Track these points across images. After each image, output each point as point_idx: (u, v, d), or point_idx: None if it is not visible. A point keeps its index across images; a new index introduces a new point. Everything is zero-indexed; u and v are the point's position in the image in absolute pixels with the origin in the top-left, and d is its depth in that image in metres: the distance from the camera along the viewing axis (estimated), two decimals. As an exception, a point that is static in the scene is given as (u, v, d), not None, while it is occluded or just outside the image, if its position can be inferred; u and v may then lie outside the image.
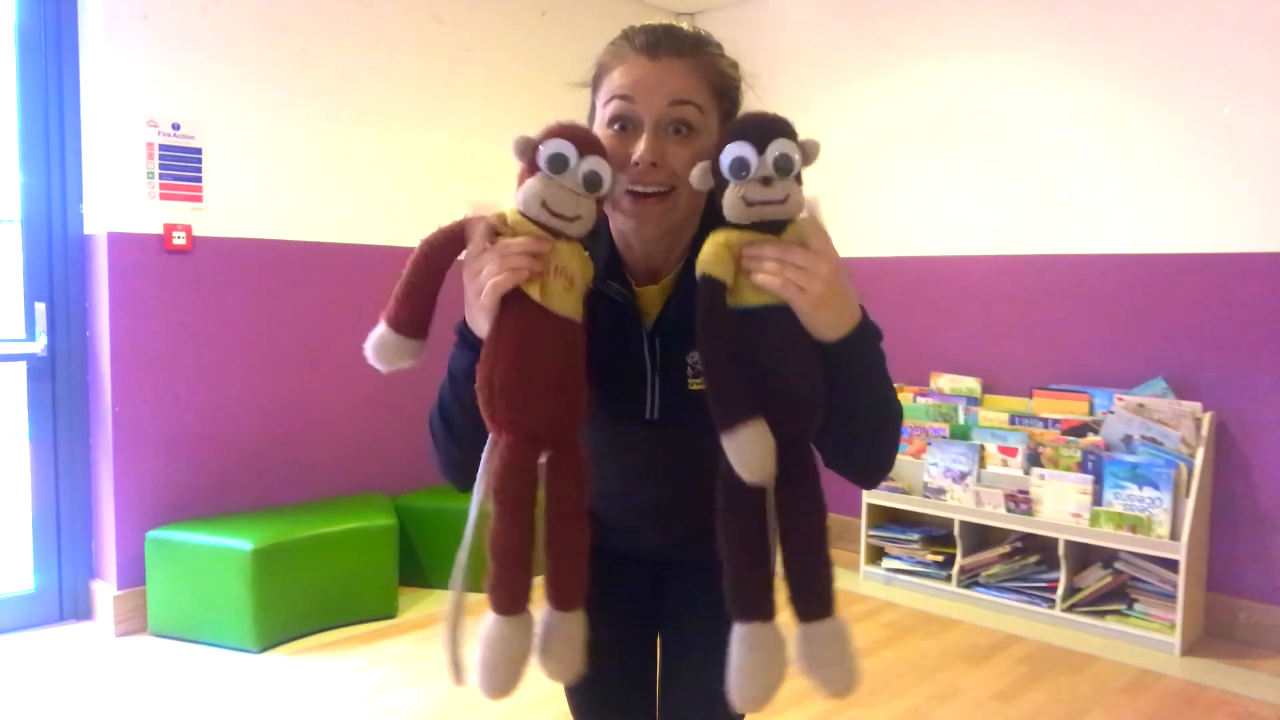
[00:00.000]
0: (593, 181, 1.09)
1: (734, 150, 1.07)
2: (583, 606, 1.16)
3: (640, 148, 1.16)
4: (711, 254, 1.08)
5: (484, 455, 1.12)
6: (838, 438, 1.16)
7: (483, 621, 1.11)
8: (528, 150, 1.09)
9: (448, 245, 1.13)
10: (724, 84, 1.24)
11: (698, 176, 1.10)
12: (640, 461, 1.33)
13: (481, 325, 1.10)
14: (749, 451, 1.03)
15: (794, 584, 1.11)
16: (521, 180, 1.10)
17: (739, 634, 1.08)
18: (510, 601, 1.10)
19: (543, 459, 1.12)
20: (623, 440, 1.28)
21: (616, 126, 1.19)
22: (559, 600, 1.14)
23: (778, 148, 1.06)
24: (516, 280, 1.06)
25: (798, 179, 1.09)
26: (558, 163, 1.07)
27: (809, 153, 1.10)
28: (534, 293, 1.07)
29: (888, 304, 4.45)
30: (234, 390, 3.67)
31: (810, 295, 1.05)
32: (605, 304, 1.25)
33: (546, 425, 1.09)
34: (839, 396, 1.12)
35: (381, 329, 1.15)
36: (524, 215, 1.09)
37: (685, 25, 1.25)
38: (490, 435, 1.12)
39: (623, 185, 1.17)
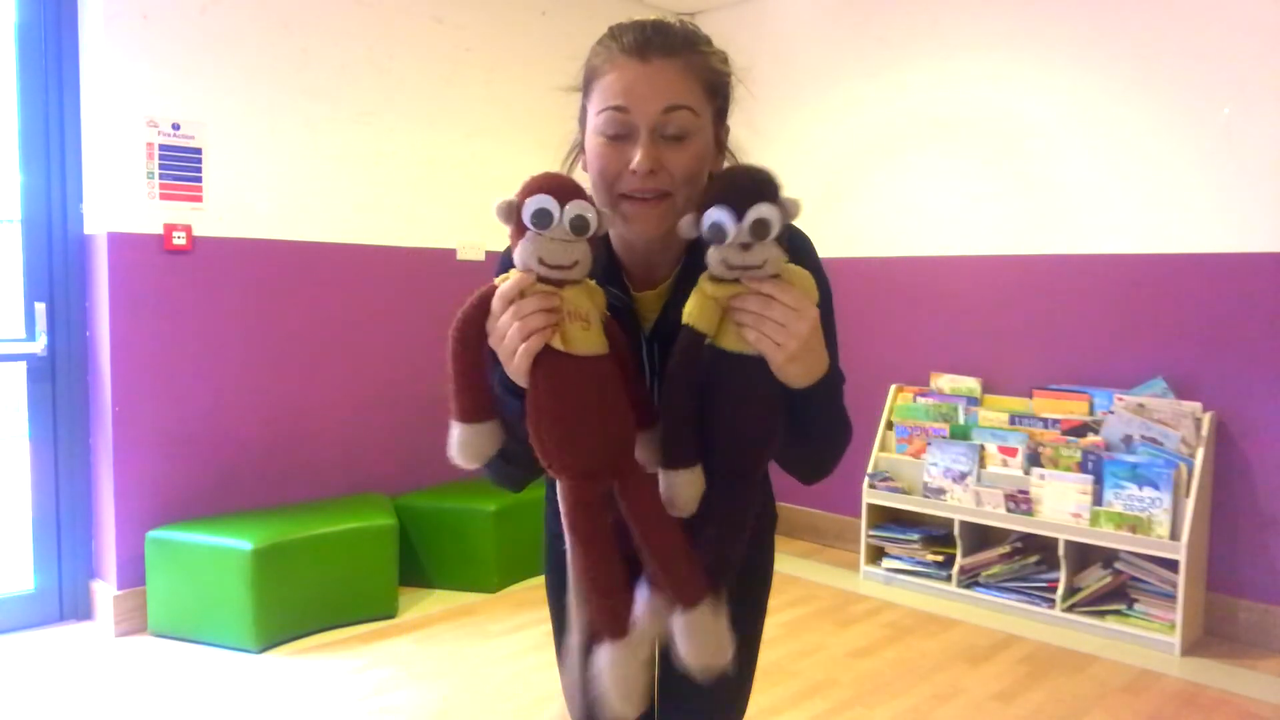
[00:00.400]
0: (580, 226, 1.11)
1: (712, 215, 1.09)
2: (707, 597, 1.17)
3: (637, 156, 1.17)
4: (696, 307, 1.14)
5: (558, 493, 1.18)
6: (787, 452, 1.22)
7: (603, 654, 1.15)
8: (512, 213, 1.13)
9: (476, 327, 1.16)
10: (715, 81, 1.23)
11: (685, 226, 1.12)
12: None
13: (522, 382, 1.13)
14: (683, 493, 1.15)
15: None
16: (514, 241, 1.14)
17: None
18: (615, 627, 1.15)
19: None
20: None
21: (611, 135, 1.19)
22: (682, 596, 1.15)
23: (755, 214, 1.07)
24: (542, 341, 1.10)
25: (779, 239, 1.10)
26: (543, 218, 1.10)
27: (789, 212, 1.10)
28: (556, 344, 1.12)
29: (888, 304, 4.46)
30: (234, 390, 3.67)
31: (784, 351, 1.10)
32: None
33: (597, 462, 1.14)
34: (796, 426, 1.18)
35: (457, 429, 1.17)
36: (527, 273, 1.13)
37: (672, 20, 1.24)
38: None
39: (621, 189, 1.19)
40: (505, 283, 1.12)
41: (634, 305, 1.29)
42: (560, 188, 1.12)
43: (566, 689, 1.21)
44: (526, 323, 1.09)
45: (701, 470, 1.15)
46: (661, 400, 1.16)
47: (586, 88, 1.25)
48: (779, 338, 1.09)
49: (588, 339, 1.14)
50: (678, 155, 1.18)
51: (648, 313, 1.30)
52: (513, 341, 1.10)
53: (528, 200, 1.11)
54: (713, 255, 1.10)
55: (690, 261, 1.27)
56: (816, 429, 1.21)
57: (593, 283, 1.18)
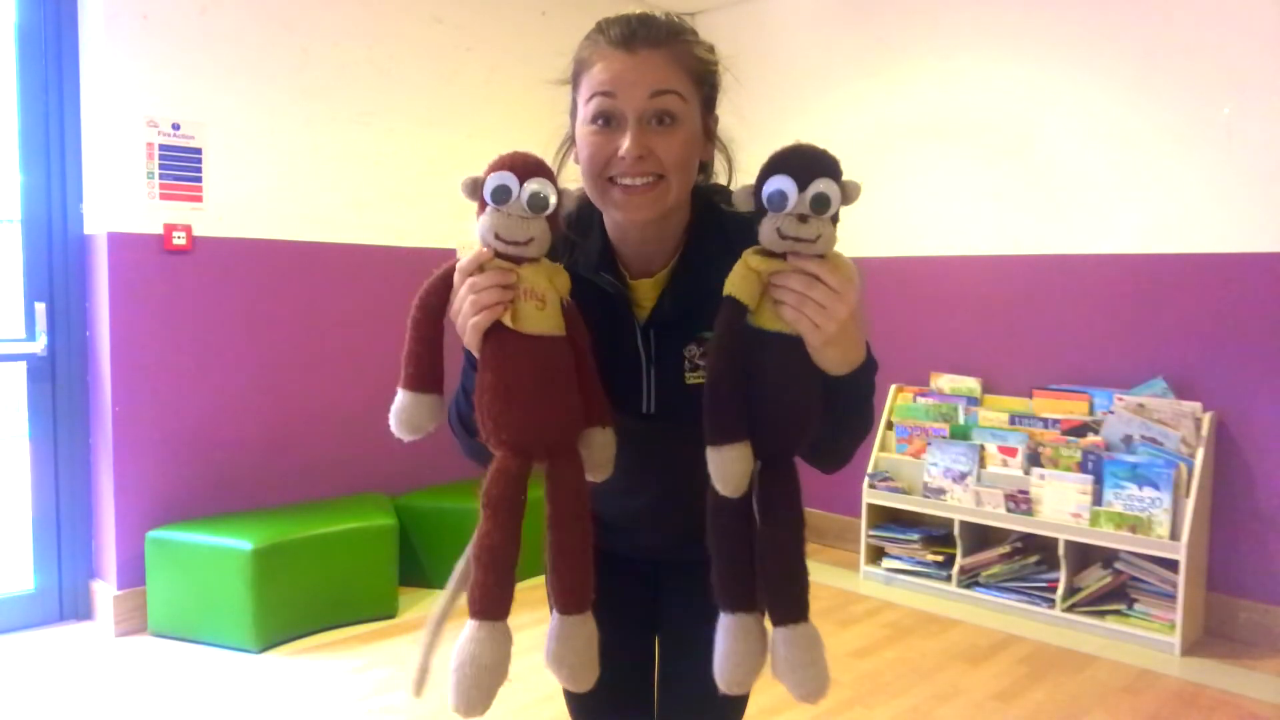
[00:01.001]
0: (537, 203, 1.13)
1: (776, 182, 1.09)
2: (589, 609, 1.19)
3: (625, 143, 1.17)
4: (739, 278, 1.13)
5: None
6: (815, 439, 1.21)
7: (464, 631, 1.13)
8: (476, 189, 1.15)
9: (438, 297, 1.20)
10: (702, 70, 1.24)
11: (741, 199, 1.12)
12: (638, 458, 1.32)
13: (476, 355, 1.16)
14: (729, 470, 1.11)
15: (770, 589, 1.18)
16: (478, 217, 1.16)
17: (725, 623, 1.17)
18: (486, 607, 1.14)
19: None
20: (620, 436, 1.28)
21: (600, 123, 1.20)
22: (563, 604, 1.18)
23: (818, 186, 1.08)
24: (493, 317, 1.12)
25: (834, 218, 1.10)
26: (501, 194, 1.13)
27: (849, 193, 1.10)
28: (506, 320, 1.13)
29: (888, 304, 4.46)
30: (234, 390, 3.67)
31: (822, 333, 1.09)
32: (599, 297, 1.27)
33: (530, 440, 1.15)
34: (827, 413, 1.17)
35: (402, 396, 1.22)
36: (487, 249, 1.15)
37: (658, 13, 1.25)
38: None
39: (611, 174, 1.20)
40: (464, 258, 1.15)
41: (629, 293, 1.29)
42: (522, 165, 1.14)
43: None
44: (479, 298, 1.12)
45: (749, 447, 1.12)
46: (707, 373, 1.15)
47: (575, 81, 1.26)
48: (818, 319, 1.08)
49: (540, 319, 1.15)
50: (666, 141, 1.19)
51: (643, 300, 1.30)
52: (466, 315, 1.13)
53: (489, 176, 1.14)
54: (768, 224, 1.10)
55: (689, 250, 1.28)
56: (847, 416, 1.20)
57: (557, 265, 1.20)
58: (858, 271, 1.13)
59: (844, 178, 1.10)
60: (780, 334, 1.12)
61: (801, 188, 1.07)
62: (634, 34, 1.20)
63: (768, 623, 1.20)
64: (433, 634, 1.18)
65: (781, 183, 1.08)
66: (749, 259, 1.13)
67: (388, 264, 4.10)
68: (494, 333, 1.14)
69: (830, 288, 1.07)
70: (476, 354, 1.15)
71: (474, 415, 1.18)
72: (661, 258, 1.29)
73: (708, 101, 1.26)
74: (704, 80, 1.24)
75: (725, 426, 1.12)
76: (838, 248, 1.11)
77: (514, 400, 1.13)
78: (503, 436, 1.15)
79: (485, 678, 1.13)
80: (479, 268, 1.14)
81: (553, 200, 1.14)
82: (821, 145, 1.12)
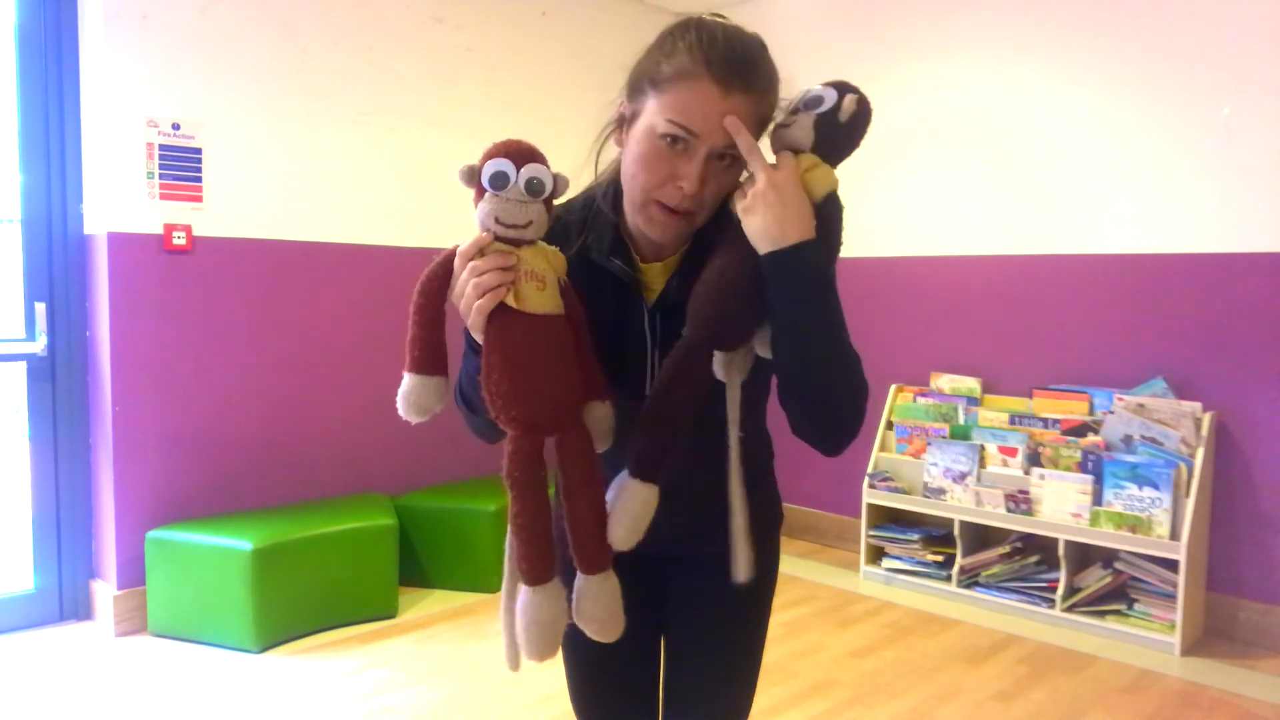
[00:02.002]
0: (535, 187, 1.18)
1: (818, 90, 1.29)
2: (610, 568, 1.25)
3: (689, 176, 1.19)
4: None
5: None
6: (796, 396, 1.21)
7: (519, 597, 1.22)
8: (473, 176, 1.19)
9: (440, 282, 1.23)
10: (769, 116, 1.27)
11: (804, 127, 1.25)
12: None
13: (479, 337, 1.19)
14: (634, 510, 1.22)
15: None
16: (476, 204, 1.19)
17: (624, 484, 1.24)
18: (534, 573, 1.22)
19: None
20: (624, 420, 1.29)
21: (669, 142, 1.20)
22: (585, 565, 1.24)
23: (850, 96, 1.30)
24: (497, 299, 1.16)
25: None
26: (499, 180, 1.17)
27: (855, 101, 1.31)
28: (510, 301, 1.17)
29: (888, 304, 4.46)
30: (234, 390, 3.67)
31: (742, 204, 1.18)
32: (609, 280, 1.30)
33: (542, 415, 1.20)
34: (782, 338, 1.19)
35: (408, 379, 1.25)
36: (487, 233, 1.19)
37: (756, 45, 1.27)
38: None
39: (658, 196, 1.23)
40: (465, 243, 1.18)
41: (639, 276, 1.32)
42: (518, 152, 1.18)
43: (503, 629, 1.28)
44: (482, 281, 1.15)
45: (655, 490, 1.22)
46: (649, 405, 1.20)
47: (653, 81, 1.22)
48: (745, 192, 1.18)
49: (541, 298, 1.19)
50: (721, 180, 1.23)
51: (653, 284, 1.32)
52: (469, 298, 1.16)
53: (487, 163, 1.17)
54: (805, 120, 1.25)
55: (700, 237, 1.29)
56: (807, 343, 1.18)
57: (552, 247, 1.24)
58: (830, 180, 1.23)
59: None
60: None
61: (838, 95, 1.31)
62: (735, 73, 1.20)
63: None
64: (509, 611, 1.25)
65: (824, 91, 1.30)
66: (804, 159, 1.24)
67: (388, 264, 4.10)
68: (498, 314, 1.18)
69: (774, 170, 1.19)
70: (480, 336, 1.18)
71: (479, 396, 1.21)
72: (674, 243, 1.31)
73: (758, 135, 1.27)
74: (764, 125, 1.27)
75: (651, 466, 1.22)
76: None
77: (522, 377, 1.18)
78: (513, 413, 1.19)
79: (549, 631, 1.22)
80: (479, 252, 1.17)
81: (549, 185, 1.18)
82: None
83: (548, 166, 1.19)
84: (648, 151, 1.21)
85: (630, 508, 1.22)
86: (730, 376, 1.25)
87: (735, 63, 1.20)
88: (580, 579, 1.25)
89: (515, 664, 1.24)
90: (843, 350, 1.21)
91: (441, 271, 1.22)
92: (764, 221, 1.17)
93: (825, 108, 1.25)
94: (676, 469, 1.27)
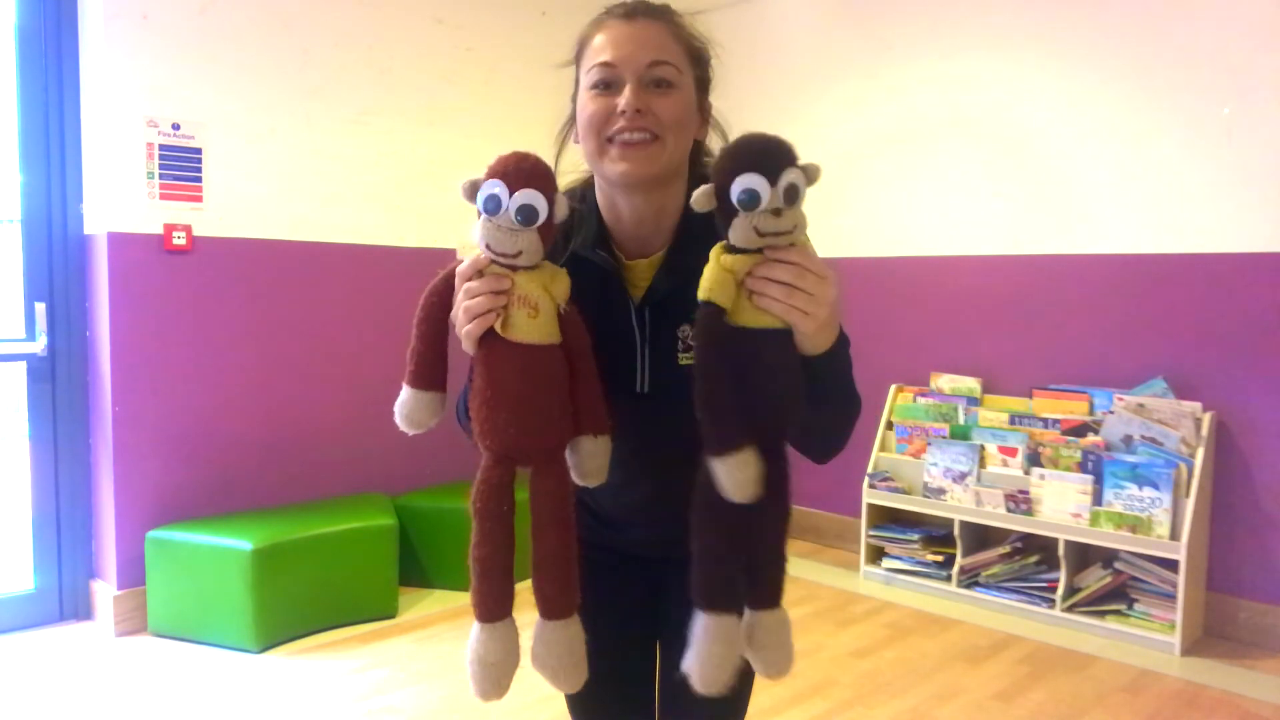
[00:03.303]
0: (527, 215, 1.12)
1: (745, 181, 1.07)
2: (573, 614, 1.21)
3: (624, 98, 1.22)
4: (715, 281, 1.10)
5: None
6: (804, 425, 1.22)
7: (472, 633, 1.20)
8: (473, 193, 1.16)
9: (440, 298, 1.21)
10: (697, 50, 1.30)
11: (700, 200, 1.11)
12: (635, 444, 1.32)
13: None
14: (738, 477, 1.09)
15: (753, 575, 1.19)
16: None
17: (705, 624, 1.15)
18: (485, 609, 1.19)
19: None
20: (623, 420, 1.28)
21: (601, 87, 1.24)
22: (544, 609, 1.21)
23: (788, 178, 1.07)
24: (484, 326, 1.14)
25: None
26: (491, 204, 1.13)
27: (812, 177, 1.10)
28: (498, 329, 1.15)
29: (888, 304, 4.46)
30: (234, 390, 3.67)
31: (815, 320, 1.09)
32: (594, 275, 1.29)
33: (513, 448, 1.17)
34: (814, 394, 1.18)
35: (405, 392, 1.24)
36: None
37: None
38: None
39: (610, 133, 1.23)
40: (465, 262, 1.16)
41: (624, 273, 1.31)
42: (515, 172, 1.13)
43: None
44: (471, 305, 1.14)
45: (755, 451, 1.10)
46: (698, 381, 1.11)
47: (578, 58, 1.32)
48: (808, 307, 1.08)
49: (532, 327, 1.15)
50: (663, 101, 1.23)
51: (639, 281, 1.32)
52: (460, 322, 1.16)
53: (483, 184, 1.14)
54: (741, 224, 1.08)
55: (686, 232, 1.29)
56: (834, 394, 1.22)
57: (558, 270, 1.19)
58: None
59: (801, 161, 1.10)
60: (762, 329, 1.11)
61: (773, 183, 1.06)
62: (634, 8, 1.27)
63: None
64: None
65: (752, 180, 1.06)
66: (722, 260, 1.11)
67: (388, 264, 4.10)
68: (486, 339, 1.16)
69: (816, 274, 1.08)
70: (473, 358, 1.19)
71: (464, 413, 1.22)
72: (658, 239, 1.31)
73: (701, 82, 1.31)
74: (698, 60, 1.30)
75: (728, 436, 1.09)
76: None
77: (498, 407, 1.15)
78: (487, 441, 1.18)
79: (493, 672, 1.20)
80: (477, 273, 1.15)
81: (543, 213, 1.13)
82: (776, 135, 1.10)
83: (547, 189, 1.14)
84: (587, 104, 1.26)
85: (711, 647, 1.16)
86: None
87: (631, 5, 1.29)
88: (540, 623, 1.21)
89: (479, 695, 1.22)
90: (853, 389, 1.25)
91: (443, 288, 1.20)
92: (832, 333, 1.14)
93: (764, 207, 1.07)
94: (666, 468, 1.26)
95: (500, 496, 1.18)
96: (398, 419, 1.24)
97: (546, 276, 1.17)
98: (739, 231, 1.08)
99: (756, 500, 1.11)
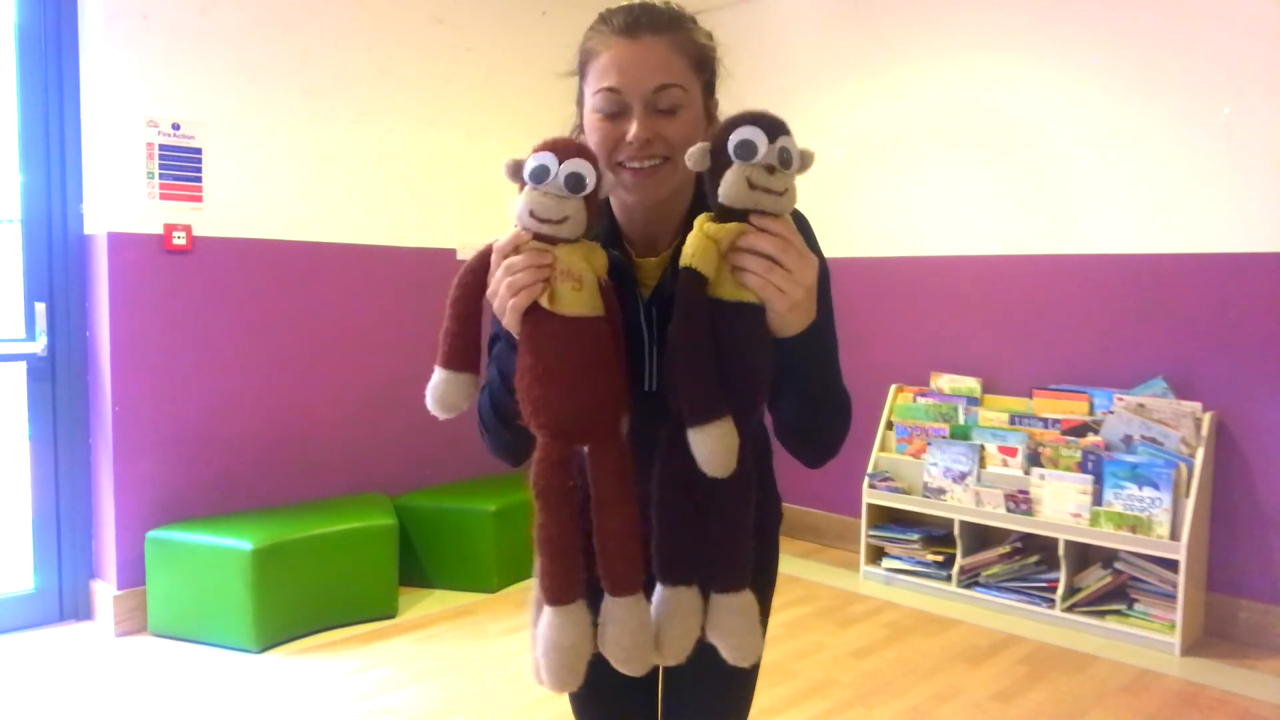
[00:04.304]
0: (575, 182, 1.13)
1: (744, 132, 1.08)
2: (639, 591, 1.17)
3: (633, 129, 1.21)
4: (697, 248, 1.11)
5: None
6: (787, 421, 1.23)
7: (541, 618, 1.16)
8: (517, 171, 1.15)
9: (475, 277, 1.20)
10: (702, 55, 1.28)
11: (696, 157, 1.12)
12: (638, 445, 1.30)
13: (516, 338, 1.17)
14: (716, 448, 1.08)
15: (715, 557, 1.18)
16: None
17: (663, 596, 1.16)
18: (556, 592, 1.14)
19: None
20: (631, 418, 1.27)
21: (607, 113, 1.23)
22: (613, 586, 1.17)
23: (785, 141, 1.09)
24: (530, 298, 1.12)
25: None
26: (540, 174, 1.13)
27: (806, 160, 1.12)
28: (544, 302, 1.13)
29: (888, 304, 4.46)
30: (234, 390, 3.67)
31: (789, 299, 1.10)
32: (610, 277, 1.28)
33: (571, 423, 1.14)
34: (792, 385, 1.18)
35: (437, 374, 1.21)
36: (524, 229, 1.15)
37: (658, 3, 1.28)
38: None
39: (620, 159, 1.23)
40: (502, 238, 1.15)
41: (634, 270, 1.32)
42: (564, 147, 1.15)
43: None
44: (515, 280, 1.12)
45: (732, 422, 1.09)
46: (674, 350, 1.12)
47: (582, 70, 1.30)
48: (785, 285, 1.09)
49: (578, 299, 1.14)
50: (671, 125, 1.22)
51: (648, 279, 1.32)
52: (503, 297, 1.13)
53: (530, 157, 1.14)
54: (735, 174, 1.09)
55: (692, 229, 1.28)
56: (811, 386, 1.22)
57: (594, 244, 1.19)
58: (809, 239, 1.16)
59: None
60: (737, 302, 1.11)
61: (770, 140, 1.08)
62: (636, 22, 1.23)
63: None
64: (534, 624, 1.19)
65: (750, 133, 1.08)
66: (704, 227, 1.12)
67: (388, 264, 4.10)
68: (531, 314, 1.13)
69: (798, 251, 1.09)
70: (516, 335, 1.15)
71: (512, 400, 1.18)
72: (667, 237, 1.31)
73: (708, 85, 1.30)
74: (704, 65, 1.28)
75: (706, 402, 1.09)
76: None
77: (553, 383, 1.13)
78: (541, 420, 1.14)
79: (569, 657, 1.15)
80: (515, 249, 1.14)
81: (590, 181, 1.13)
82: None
83: (595, 164, 1.15)
84: (595, 126, 1.24)
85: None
86: None
87: (634, 14, 1.24)
88: (608, 601, 1.17)
89: (540, 680, 1.19)
90: (836, 380, 1.25)
91: (478, 266, 1.19)
92: (805, 315, 1.14)
93: (759, 159, 1.09)
94: (674, 463, 1.26)
95: (562, 472, 1.15)
96: (429, 402, 1.22)
97: (587, 249, 1.17)
98: (730, 184, 1.09)
99: (729, 475, 1.10)
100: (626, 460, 1.19)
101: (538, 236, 1.14)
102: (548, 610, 1.15)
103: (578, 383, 1.14)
